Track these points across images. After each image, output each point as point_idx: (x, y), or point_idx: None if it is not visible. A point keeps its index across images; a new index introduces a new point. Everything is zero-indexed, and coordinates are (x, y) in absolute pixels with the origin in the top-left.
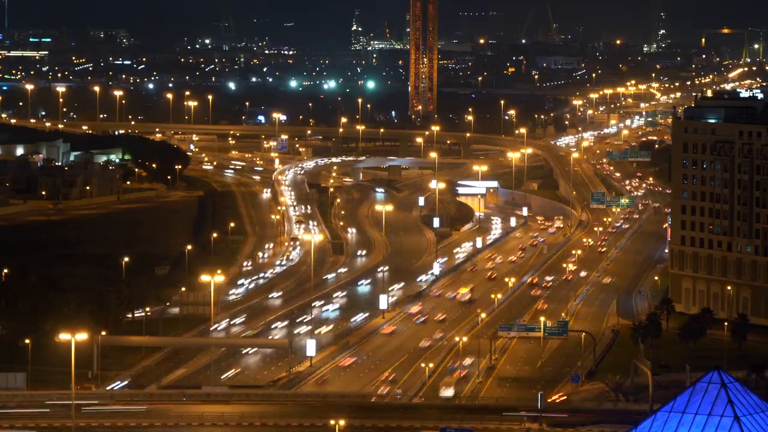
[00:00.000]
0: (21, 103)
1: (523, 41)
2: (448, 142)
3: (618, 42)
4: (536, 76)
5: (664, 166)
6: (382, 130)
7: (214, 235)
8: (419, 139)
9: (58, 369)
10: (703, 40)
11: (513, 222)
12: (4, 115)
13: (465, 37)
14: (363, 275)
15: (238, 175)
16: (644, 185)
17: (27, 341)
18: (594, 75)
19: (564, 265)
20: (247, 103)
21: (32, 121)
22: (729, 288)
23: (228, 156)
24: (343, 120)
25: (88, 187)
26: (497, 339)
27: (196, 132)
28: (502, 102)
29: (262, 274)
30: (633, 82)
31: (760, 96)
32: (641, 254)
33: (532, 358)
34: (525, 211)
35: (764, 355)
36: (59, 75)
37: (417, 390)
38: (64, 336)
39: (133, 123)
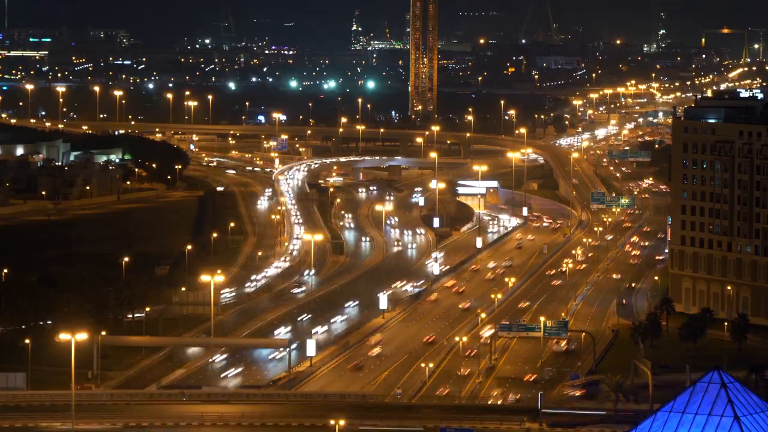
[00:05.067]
0: (21, 103)
1: (523, 41)
2: (448, 142)
3: (618, 42)
4: (536, 76)
5: (664, 166)
6: (382, 130)
7: (214, 235)
8: (419, 139)
9: (58, 369)
10: (703, 40)
11: (513, 222)
12: (4, 115)
13: (465, 37)
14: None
15: (239, 174)
16: (644, 184)
17: (27, 341)
18: (594, 75)
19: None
20: (247, 103)
21: (32, 121)
22: (729, 288)
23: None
24: (343, 120)
25: (88, 187)
26: (497, 339)
27: (196, 132)
28: (502, 102)
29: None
30: (633, 82)
31: (760, 96)
32: (641, 254)
33: (532, 358)
34: (525, 211)
35: (764, 355)
36: (59, 75)
37: (417, 390)
38: (64, 336)
39: (133, 123)
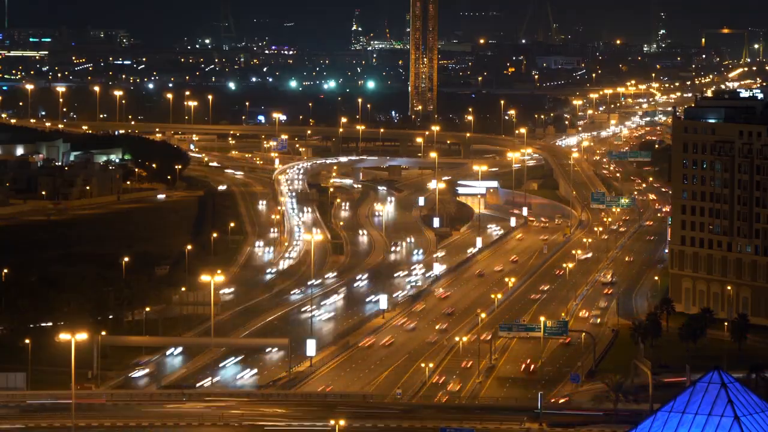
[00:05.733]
0: (21, 103)
1: (523, 41)
2: (448, 142)
3: (618, 42)
4: (536, 76)
5: (664, 166)
6: (382, 130)
7: (214, 235)
8: (419, 139)
9: (58, 369)
10: (703, 40)
11: (513, 222)
12: (4, 115)
13: (465, 37)
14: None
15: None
16: (644, 185)
17: (27, 341)
18: (594, 75)
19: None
20: (247, 103)
21: (32, 121)
22: (729, 288)
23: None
24: (343, 120)
25: (88, 187)
26: (497, 339)
27: (196, 132)
28: (502, 102)
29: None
30: (633, 82)
31: (760, 96)
32: (641, 254)
33: (532, 358)
34: (525, 211)
35: (764, 355)
36: (59, 75)
37: (417, 390)
38: (64, 336)
39: (133, 123)
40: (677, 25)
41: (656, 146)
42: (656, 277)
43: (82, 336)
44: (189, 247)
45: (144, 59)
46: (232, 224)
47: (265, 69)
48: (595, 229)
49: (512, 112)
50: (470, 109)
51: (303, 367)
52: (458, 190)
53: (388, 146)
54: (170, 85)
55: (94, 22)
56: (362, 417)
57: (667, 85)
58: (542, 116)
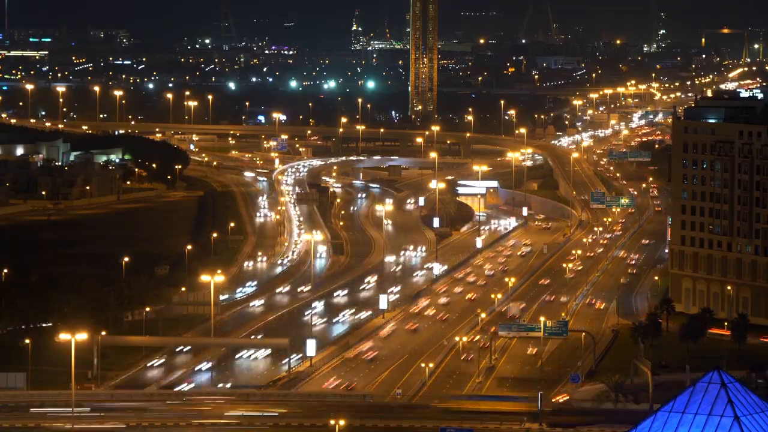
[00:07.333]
0: (21, 103)
1: (523, 41)
2: (448, 142)
3: (618, 42)
4: (536, 76)
5: (664, 166)
6: (382, 130)
7: (214, 235)
8: (419, 139)
9: (58, 369)
10: (703, 40)
11: (514, 222)
12: (4, 115)
13: (465, 37)
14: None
15: (237, 174)
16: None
17: (27, 341)
18: (594, 75)
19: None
20: (247, 103)
21: (32, 121)
22: (729, 288)
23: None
24: (343, 120)
25: (88, 187)
26: (497, 339)
27: (196, 132)
28: (502, 102)
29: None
30: (633, 82)
31: (760, 96)
32: (641, 254)
33: (532, 358)
34: (525, 211)
35: (764, 355)
36: (59, 75)
37: (417, 390)
38: (64, 336)
39: (133, 123)
40: (677, 25)
41: (656, 146)
42: (656, 277)
43: (82, 336)
44: (189, 247)
45: (144, 59)
46: (232, 224)
47: (265, 69)
48: (595, 228)
49: (512, 112)
50: (470, 109)
51: (303, 367)
52: (458, 190)
53: (388, 146)
54: (170, 85)
55: (94, 22)
56: (362, 417)
57: (667, 85)
58: (542, 116)
